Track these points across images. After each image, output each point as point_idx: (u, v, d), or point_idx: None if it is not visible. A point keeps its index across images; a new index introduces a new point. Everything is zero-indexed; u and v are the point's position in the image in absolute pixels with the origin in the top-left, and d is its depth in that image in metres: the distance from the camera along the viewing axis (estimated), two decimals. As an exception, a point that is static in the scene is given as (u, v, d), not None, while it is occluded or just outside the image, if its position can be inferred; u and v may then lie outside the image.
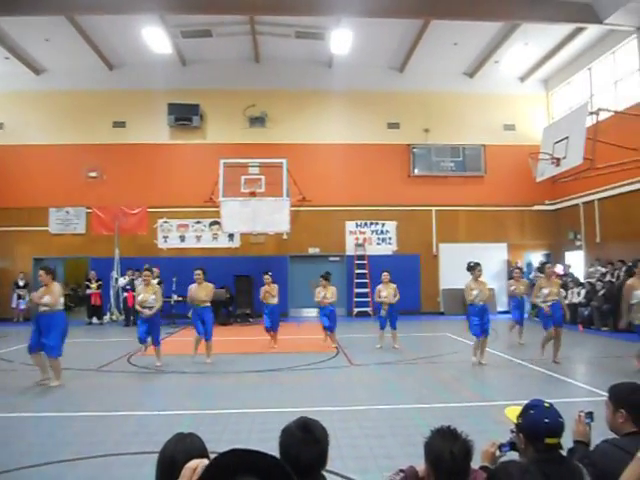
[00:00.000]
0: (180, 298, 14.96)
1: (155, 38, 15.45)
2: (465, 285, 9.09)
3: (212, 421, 5.73)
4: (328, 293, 11.02)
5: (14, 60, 16.87)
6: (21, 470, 4.33)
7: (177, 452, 1.83)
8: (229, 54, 17.78)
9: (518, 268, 12.50)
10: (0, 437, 5.36)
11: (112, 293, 16.70)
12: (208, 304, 9.60)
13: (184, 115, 17.98)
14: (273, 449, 2.20)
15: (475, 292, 8.87)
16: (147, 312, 9.02)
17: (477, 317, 8.85)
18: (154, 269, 16.34)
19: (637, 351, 8.33)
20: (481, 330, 8.84)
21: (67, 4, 13.63)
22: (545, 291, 9.06)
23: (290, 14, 14.63)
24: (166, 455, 1.87)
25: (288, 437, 2.05)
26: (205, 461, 1.22)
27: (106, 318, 16.76)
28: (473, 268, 8.98)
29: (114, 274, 16.62)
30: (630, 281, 8.50)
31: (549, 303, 8.98)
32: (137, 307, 9.29)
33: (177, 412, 6.20)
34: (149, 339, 9.25)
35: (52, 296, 7.66)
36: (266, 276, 11.19)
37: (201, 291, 9.54)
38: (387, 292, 10.85)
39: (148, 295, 9.17)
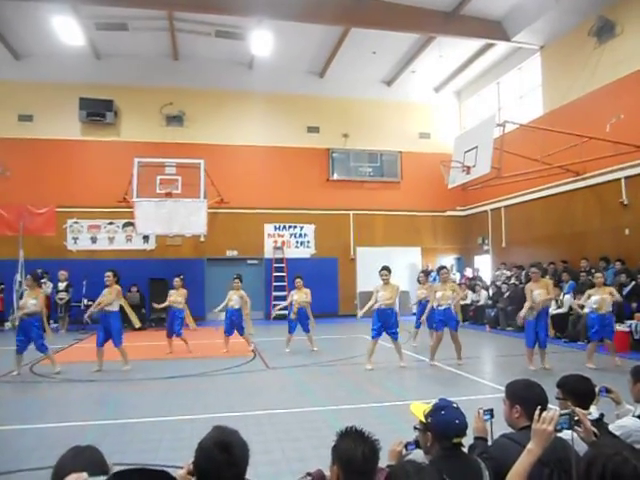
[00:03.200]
0: (91, 302, 14.24)
1: (66, 28, 14.69)
2: (374, 287, 9.28)
3: (120, 431, 5.48)
4: (236, 296, 10.93)
5: None
6: None
7: (75, 466, 1.73)
8: (146, 50, 17.22)
9: (423, 272, 12.86)
10: None
11: (15, 298, 15.60)
12: (115, 309, 9.11)
13: (97, 111, 17.20)
14: (184, 458, 2.15)
15: (380, 294, 9.04)
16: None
17: (378, 321, 9.00)
18: (62, 272, 15.51)
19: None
20: (378, 334, 8.97)
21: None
22: (438, 294, 9.38)
23: (209, 12, 14.39)
24: (61, 470, 1.76)
25: (207, 459, 1.91)
26: (84, 475, 1.16)
27: (7, 324, 15.62)
28: (380, 271, 9.19)
29: (18, 277, 15.54)
30: (528, 285, 9.06)
31: (443, 307, 9.26)
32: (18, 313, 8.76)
33: (81, 423, 5.88)
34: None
35: None
36: (177, 279, 10.97)
37: (108, 294, 9.06)
38: (298, 296, 10.94)
39: (29, 299, 8.69)
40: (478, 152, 12.87)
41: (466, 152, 13.41)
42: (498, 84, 18.13)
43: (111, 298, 9.03)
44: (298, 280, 11.15)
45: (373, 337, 9.02)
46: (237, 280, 11.03)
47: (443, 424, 2.38)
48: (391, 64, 18.22)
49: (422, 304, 11.54)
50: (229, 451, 1.90)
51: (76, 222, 17.19)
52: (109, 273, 9.23)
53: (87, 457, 1.77)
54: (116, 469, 1.23)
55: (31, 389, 7.93)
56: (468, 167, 13.22)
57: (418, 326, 11.75)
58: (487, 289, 16.19)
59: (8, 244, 15.93)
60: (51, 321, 15.20)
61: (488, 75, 18.39)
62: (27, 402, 7.10)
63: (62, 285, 15.41)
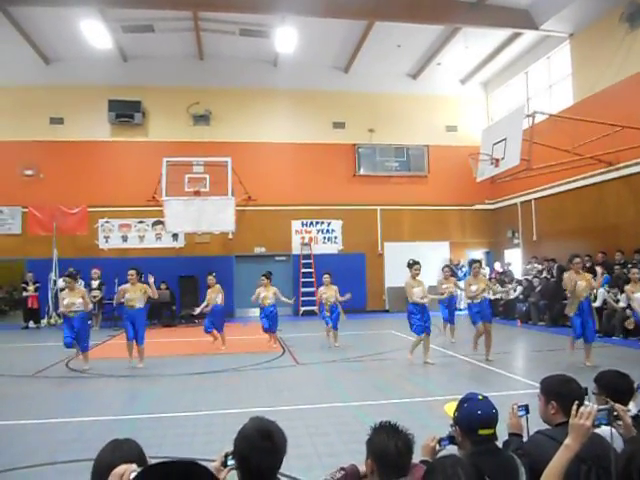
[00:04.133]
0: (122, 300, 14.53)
1: (94, 32, 14.94)
2: (405, 283, 9.21)
3: (154, 425, 5.59)
4: (270, 293, 10.97)
5: (-59, 52, 15.94)
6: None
7: (115, 459, 1.77)
8: (172, 50, 17.41)
9: (447, 266, 12.65)
10: None
11: (50, 296, 16.01)
12: (140, 306, 9.24)
13: (125, 112, 17.48)
14: (217, 451, 2.18)
15: (416, 290, 9.01)
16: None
17: (418, 315, 8.95)
18: (95, 270, 15.85)
19: None
20: (423, 329, 8.93)
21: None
22: (473, 288, 9.26)
23: (233, 11, 14.47)
24: (102, 463, 1.80)
25: (249, 446, 1.95)
26: (133, 466, 1.19)
27: (44, 322, 16.06)
28: (411, 266, 9.13)
29: (52, 276, 15.95)
30: (569, 275, 8.74)
31: (479, 300, 9.15)
32: (62, 310, 8.94)
33: (117, 417, 6.02)
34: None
35: None
36: (210, 277, 11.08)
37: (133, 292, 9.19)
38: (329, 294, 10.94)
39: (75, 299, 8.86)
40: (507, 144, 12.66)
41: (494, 144, 13.21)
42: (526, 74, 17.78)
43: (137, 296, 9.16)
44: (327, 276, 11.15)
45: (419, 334, 8.94)
46: (264, 277, 11.09)
47: (466, 416, 2.36)
48: (416, 57, 18.04)
49: (445, 299, 11.43)
50: (271, 439, 1.94)
51: (107, 221, 17.53)
52: (132, 271, 9.38)
53: (127, 450, 1.81)
54: (152, 462, 1.25)
55: (68, 384, 8.13)
56: (497, 160, 13.02)
57: (451, 321, 11.63)
58: (518, 283, 15.93)
59: (42, 244, 16.36)
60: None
61: (516, 65, 18.05)
62: (65, 396, 7.30)
63: (95, 283, 15.74)
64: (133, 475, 1.13)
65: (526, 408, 2.70)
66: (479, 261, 9.84)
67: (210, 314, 11.04)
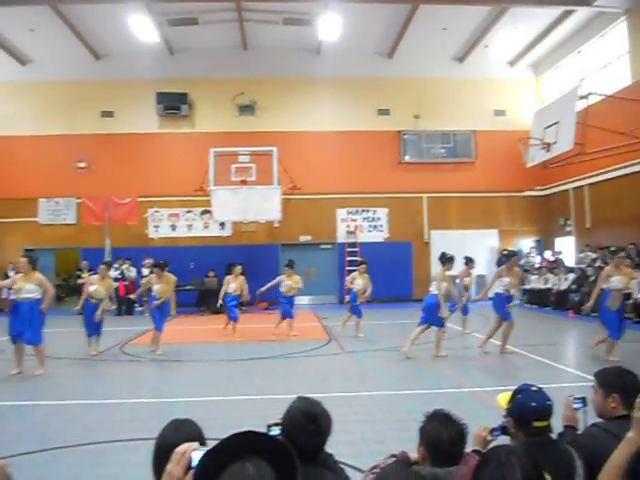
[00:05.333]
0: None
1: (141, 27, 15.23)
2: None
3: (205, 408, 5.74)
4: (292, 282, 11.03)
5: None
6: (15, 457, 4.32)
7: (178, 438, 1.81)
8: (216, 42, 17.59)
9: (466, 258, 11.14)
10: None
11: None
12: (165, 297, 9.34)
13: (173, 104, 17.83)
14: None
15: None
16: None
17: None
18: (148, 260, 16.25)
19: None
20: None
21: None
22: (506, 280, 8.91)
23: (277, 0, 14.47)
24: (166, 442, 1.85)
25: (294, 427, 2.00)
26: (195, 444, 1.22)
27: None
28: (450, 261, 8.89)
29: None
30: (607, 269, 8.41)
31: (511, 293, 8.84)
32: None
33: (170, 400, 6.20)
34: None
35: (45, 285, 7.77)
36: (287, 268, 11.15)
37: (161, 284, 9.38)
38: (361, 281, 10.90)
39: (102, 289, 9.30)
40: (559, 127, 12.22)
41: (546, 128, 12.78)
42: (579, 53, 17.06)
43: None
44: (364, 265, 11.08)
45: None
46: (287, 267, 11.24)
47: (519, 407, 2.32)
48: (462, 40, 17.59)
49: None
50: (316, 422, 2.00)
51: (157, 211, 17.99)
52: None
53: (187, 430, 1.86)
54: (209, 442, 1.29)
55: (123, 367, 8.44)
56: (548, 144, 12.59)
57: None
58: (570, 272, 15.43)
59: (96, 233, 16.99)
60: (136, 304, 16.11)
61: (568, 45, 17.33)
62: (120, 379, 7.60)
63: (146, 271, 16.18)
64: (195, 453, 1.16)
65: (583, 401, 2.62)
66: (517, 254, 9.48)
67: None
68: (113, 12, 14.82)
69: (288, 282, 11.03)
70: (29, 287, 7.67)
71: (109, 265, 9.84)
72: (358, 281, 10.95)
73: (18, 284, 7.70)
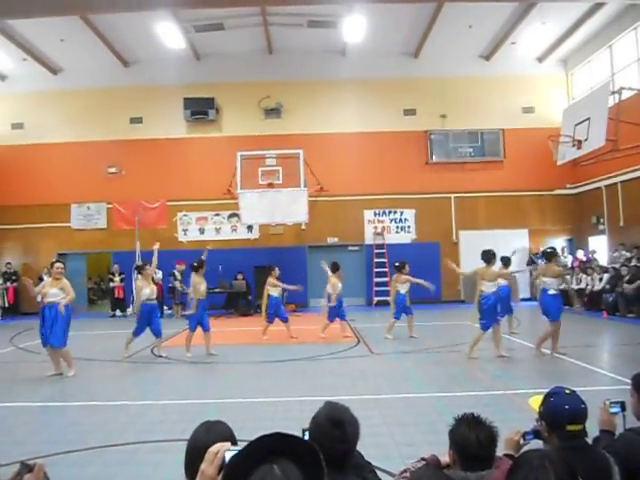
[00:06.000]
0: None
1: (168, 33, 15.49)
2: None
3: (235, 410, 5.77)
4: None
5: (31, 61, 17.14)
6: (51, 457, 4.43)
7: (210, 439, 1.83)
8: (242, 46, 17.74)
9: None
10: (29, 426, 5.54)
11: (134, 286, 16.86)
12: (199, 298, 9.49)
13: (200, 109, 18.04)
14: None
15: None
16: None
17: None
18: (179, 265, 16.41)
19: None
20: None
21: (80, 4, 13.66)
22: (551, 280, 8.61)
23: (301, 3, 14.49)
24: (198, 443, 1.86)
25: (320, 433, 1.99)
26: (227, 445, 1.24)
27: (129, 310, 16.97)
28: (492, 257, 8.72)
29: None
30: None
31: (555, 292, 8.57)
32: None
33: (200, 401, 6.28)
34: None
35: (66, 289, 7.95)
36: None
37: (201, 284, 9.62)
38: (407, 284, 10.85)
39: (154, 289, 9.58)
40: (591, 124, 11.94)
41: (577, 125, 12.50)
42: (610, 48, 16.66)
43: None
44: (406, 267, 10.95)
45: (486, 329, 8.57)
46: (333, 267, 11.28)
47: (552, 411, 2.27)
48: (489, 37, 17.36)
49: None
50: (341, 428, 1.97)
51: (185, 215, 18.22)
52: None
53: (219, 431, 1.87)
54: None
55: (153, 369, 8.57)
56: (579, 141, 12.31)
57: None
58: (604, 272, 15.05)
59: (126, 237, 17.31)
60: (165, 307, 16.36)
61: (598, 39, 16.93)
62: (150, 381, 7.70)
63: (179, 275, 16.39)
64: (228, 453, 1.18)
65: (621, 405, 2.54)
66: (554, 250, 9.22)
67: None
68: (141, 20, 15.07)
69: (340, 284, 11.07)
70: (53, 291, 7.89)
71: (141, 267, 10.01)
72: (405, 284, 10.81)
73: (45, 289, 7.93)
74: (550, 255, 8.88)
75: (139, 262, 10.29)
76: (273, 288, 11.13)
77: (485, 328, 8.48)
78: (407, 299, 10.79)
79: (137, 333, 9.37)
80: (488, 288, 8.53)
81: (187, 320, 9.54)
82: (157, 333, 9.46)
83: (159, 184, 17.85)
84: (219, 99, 18.34)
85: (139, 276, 9.93)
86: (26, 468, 1.73)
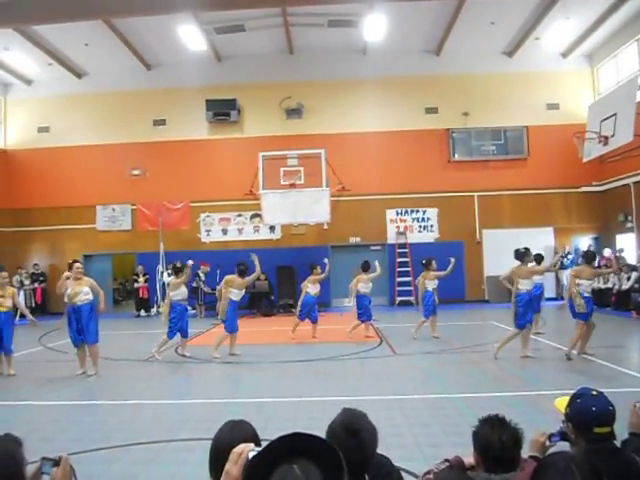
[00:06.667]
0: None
1: (190, 36, 15.66)
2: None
3: (258, 410, 5.81)
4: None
5: (57, 65, 17.48)
6: (78, 455, 4.50)
7: (234, 438, 1.84)
8: (263, 47, 17.82)
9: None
10: (56, 424, 5.64)
11: (158, 286, 17.10)
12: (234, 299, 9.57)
13: (222, 110, 18.16)
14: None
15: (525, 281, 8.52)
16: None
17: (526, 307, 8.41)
18: (203, 267, 16.52)
19: None
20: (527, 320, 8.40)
21: (103, 8, 13.89)
22: (586, 282, 8.39)
23: (322, 3, 14.50)
24: (223, 442, 1.88)
25: (336, 441, 1.92)
26: (251, 445, 1.24)
27: (153, 310, 17.22)
28: (525, 255, 8.62)
29: (159, 268, 17.01)
30: None
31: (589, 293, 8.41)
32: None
33: (223, 400, 6.33)
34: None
35: (95, 288, 8.19)
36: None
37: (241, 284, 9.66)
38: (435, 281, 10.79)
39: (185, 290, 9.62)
40: (617, 119, 11.73)
41: (602, 121, 12.30)
42: (637, 42, 16.28)
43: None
44: (433, 263, 10.89)
45: (522, 328, 8.43)
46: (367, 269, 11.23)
47: (579, 412, 2.23)
48: (512, 33, 17.12)
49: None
50: (356, 436, 1.93)
51: (208, 216, 18.37)
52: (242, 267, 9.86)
53: (243, 430, 1.88)
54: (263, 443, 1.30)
55: (177, 369, 8.67)
56: (606, 137, 12.11)
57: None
58: (633, 271, 14.73)
59: (150, 238, 17.51)
60: (189, 307, 16.51)
61: (624, 33, 16.56)
62: (175, 380, 7.81)
63: (203, 276, 16.53)
64: (252, 454, 1.18)
65: None
66: (595, 254, 9.01)
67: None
68: (163, 23, 15.25)
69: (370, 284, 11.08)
70: (85, 289, 8.08)
71: (179, 268, 10.09)
72: (433, 281, 10.75)
73: (74, 289, 8.05)
74: (590, 257, 8.71)
75: (178, 263, 10.31)
76: (313, 286, 11.12)
77: (520, 327, 8.40)
78: (435, 297, 10.72)
79: (172, 335, 9.39)
80: (523, 286, 8.47)
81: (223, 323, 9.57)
82: (184, 333, 9.55)
83: (182, 185, 18.03)
84: (241, 100, 18.45)
85: (173, 277, 9.98)
86: (51, 462, 1.76)
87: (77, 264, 8.32)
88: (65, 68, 17.79)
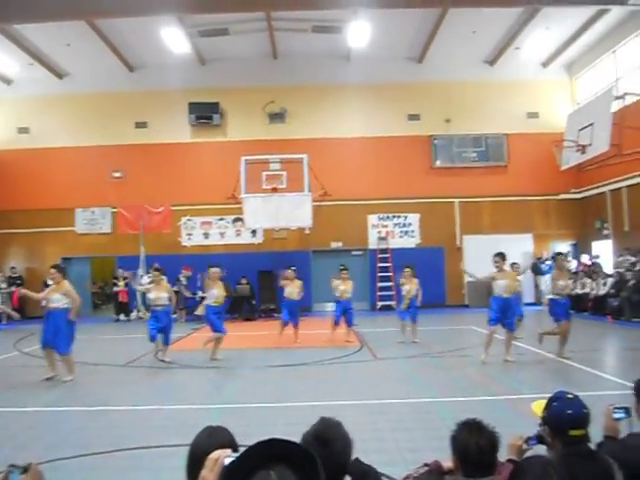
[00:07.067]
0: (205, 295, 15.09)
1: (174, 38, 15.60)
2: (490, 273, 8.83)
3: (238, 415, 5.77)
4: (348, 287, 11.04)
5: (37, 65, 17.24)
6: (57, 462, 4.45)
7: (211, 445, 1.83)
8: (247, 51, 17.81)
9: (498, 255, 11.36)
10: (33, 430, 5.53)
11: (140, 290, 16.86)
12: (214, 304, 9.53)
13: (205, 114, 18.10)
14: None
15: (501, 282, 8.67)
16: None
17: (497, 310, 8.56)
18: (185, 271, 16.42)
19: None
20: (496, 322, 8.54)
21: (86, 9, 13.78)
22: (561, 283, 8.70)
23: (306, 8, 14.57)
24: (199, 448, 1.88)
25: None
26: (228, 451, 1.24)
27: (133, 315, 17.03)
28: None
29: (140, 272, 16.81)
30: None
31: (564, 296, 8.62)
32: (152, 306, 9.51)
33: (203, 406, 6.27)
34: (159, 337, 9.39)
35: (70, 294, 7.98)
36: (289, 271, 11.28)
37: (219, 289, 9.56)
38: (409, 287, 10.81)
39: (161, 293, 9.37)
40: (594, 129, 11.96)
41: (580, 130, 12.53)
42: (614, 53, 16.65)
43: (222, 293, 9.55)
44: (408, 270, 11.01)
45: (492, 325, 8.58)
46: (345, 270, 11.24)
47: (555, 416, 2.27)
48: (493, 43, 17.39)
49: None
50: (327, 446, 1.92)
51: (189, 219, 18.26)
52: (217, 269, 9.69)
53: (220, 436, 1.88)
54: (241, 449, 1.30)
55: (157, 374, 8.57)
56: (583, 146, 12.34)
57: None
58: (608, 277, 15.00)
59: (131, 242, 17.33)
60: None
61: (602, 45, 16.92)
62: (155, 385, 7.71)
63: (184, 280, 16.39)
64: (228, 460, 1.18)
65: (626, 410, 2.53)
66: (563, 253, 9.28)
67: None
68: (146, 25, 15.16)
69: (342, 287, 11.07)
70: (56, 297, 7.93)
71: (161, 270, 9.98)
72: (406, 287, 10.86)
73: (49, 294, 7.98)
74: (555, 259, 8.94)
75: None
76: (289, 290, 11.22)
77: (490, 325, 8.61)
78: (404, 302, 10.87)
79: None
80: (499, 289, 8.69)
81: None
82: (167, 339, 9.44)
83: (163, 188, 17.88)
84: (224, 104, 18.40)
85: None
86: (19, 470, 1.71)
87: (51, 270, 8.18)
88: (46, 68, 17.55)
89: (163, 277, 10.16)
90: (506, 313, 8.58)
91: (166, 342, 9.44)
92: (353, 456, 2.14)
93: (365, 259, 18.24)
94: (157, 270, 9.89)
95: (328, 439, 1.96)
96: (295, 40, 17.19)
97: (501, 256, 8.71)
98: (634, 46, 15.77)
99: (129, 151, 18.21)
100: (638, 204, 15.31)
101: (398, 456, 4.46)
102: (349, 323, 11.25)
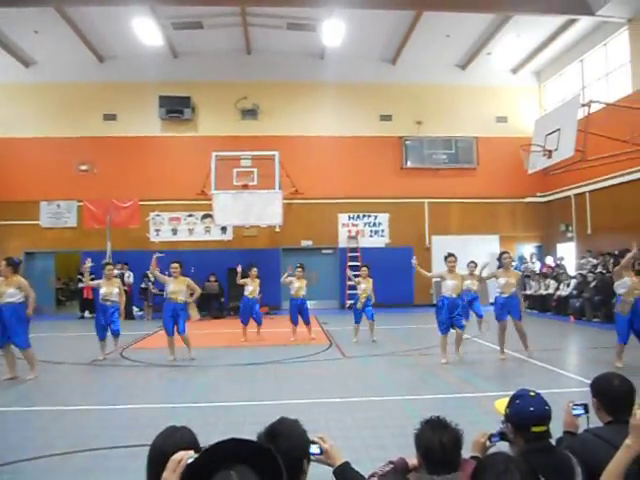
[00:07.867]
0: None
1: (146, 30, 15.33)
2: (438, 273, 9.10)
3: (205, 414, 5.73)
4: (303, 284, 11.10)
5: (3, 52, 16.68)
6: (17, 463, 4.34)
7: (167, 445, 1.82)
8: (220, 46, 17.65)
9: (472, 262, 11.35)
10: (-8, 431, 5.36)
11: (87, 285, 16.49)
12: (183, 299, 9.26)
13: (175, 107, 17.87)
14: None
15: (449, 283, 8.79)
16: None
17: (446, 311, 8.67)
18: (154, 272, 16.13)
19: None
20: (447, 326, 8.66)
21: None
22: (502, 281, 8.91)
23: (281, 5, 14.54)
24: (156, 449, 1.86)
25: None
26: (190, 453, 1.23)
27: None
28: (445, 258, 8.98)
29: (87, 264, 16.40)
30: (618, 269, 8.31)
31: (506, 295, 8.81)
32: (100, 301, 9.40)
33: (170, 405, 6.20)
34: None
35: (24, 288, 7.72)
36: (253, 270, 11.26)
37: (176, 285, 9.27)
38: (365, 285, 10.90)
39: (112, 289, 9.30)
40: (561, 135, 12.21)
41: (547, 135, 12.77)
42: (581, 62, 17.11)
43: (180, 289, 9.28)
44: (365, 269, 11.13)
45: (443, 334, 8.68)
46: (300, 268, 11.29)
47: (517, 413, 2.32)
48: (465, 47, 17.66)
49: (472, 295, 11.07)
50: (274, 441, 1.93)
51: (158, 215, 18.01)
52: (176, 265, 9.46)
53: (180, 437, 1.87)
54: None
55: (122, 372, 8.42)
56: (550, 151, 12.58)
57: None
58: (571, 278, 15.41)
59: (97, 237, 16.95)
60: (135, 309, 16.15)
61: (570, 53, 17.38)
62: (120, 384, 7.56)
63: (152, 277, 16.10)
64: (190, 461, 1.17)
65: (585, 407, 2.61)
66: (508, 252, 9.50)
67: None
68: (118, 15, 14.88)
69: (297, 284, 11.06)
70: (10, 291, 7.63)
71: (113, 265, 9.81)
72: (362, 286, 10.94)
73: (2, 288, 7.65)
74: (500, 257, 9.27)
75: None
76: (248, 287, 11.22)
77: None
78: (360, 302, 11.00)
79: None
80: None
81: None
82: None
83: (132, 183, 17.57)
84: (195, 98, 18.20)
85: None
86: None
87: (1, 262, 7.88)
88: (12, 56, 16.98)
89: (116, 272, 10.00)
90: (454, 312, 8.67)
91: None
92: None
93: (335, 258, 18.30)
94: (108, 264, 9.72)
95: (275, 434, 1.98)
96: (269, 36, 17.12)
97: (454, 257, 8.89)
98: (600, 56, 16.25)
99: (97, 144, 17.84)
100: (600, 208, 15.79)
101: (364, 454, 4.48)
102: (306, 321, 11.23)
